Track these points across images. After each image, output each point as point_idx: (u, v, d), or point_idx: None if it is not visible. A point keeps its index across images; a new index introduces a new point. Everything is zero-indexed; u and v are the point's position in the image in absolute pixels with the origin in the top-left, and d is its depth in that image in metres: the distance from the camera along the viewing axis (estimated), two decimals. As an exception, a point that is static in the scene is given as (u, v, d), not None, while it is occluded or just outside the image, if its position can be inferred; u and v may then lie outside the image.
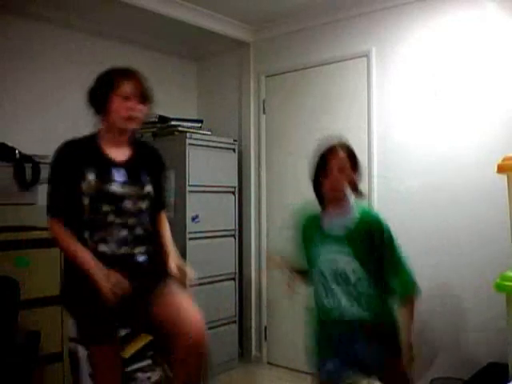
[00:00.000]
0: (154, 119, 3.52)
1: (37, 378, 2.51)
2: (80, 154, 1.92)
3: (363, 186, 2.09)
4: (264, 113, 3.82)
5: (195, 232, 3.38)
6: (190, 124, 3.60)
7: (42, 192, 2.86)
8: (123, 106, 1.90)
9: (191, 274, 2.02)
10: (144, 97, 1.97)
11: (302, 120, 3.59)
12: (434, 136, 2.99)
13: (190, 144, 3.40)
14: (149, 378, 3.14)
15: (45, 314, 2.61)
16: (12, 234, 2.58)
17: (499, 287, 2.10)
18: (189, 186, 3.37)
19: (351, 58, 3.33)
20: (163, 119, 3.52)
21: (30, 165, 2.71)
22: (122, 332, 2.12)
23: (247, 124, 3.88)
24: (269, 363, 3.76)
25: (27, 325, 2.42)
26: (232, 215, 3.75)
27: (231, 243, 3.73)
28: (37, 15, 3.13)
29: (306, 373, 3.43)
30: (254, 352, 3.83)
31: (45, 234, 2.69)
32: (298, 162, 3.59)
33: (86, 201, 1.87)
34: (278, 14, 3.51)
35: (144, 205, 1.97)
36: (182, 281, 1.99)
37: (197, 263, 3.37)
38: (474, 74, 2.86)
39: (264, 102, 3.80)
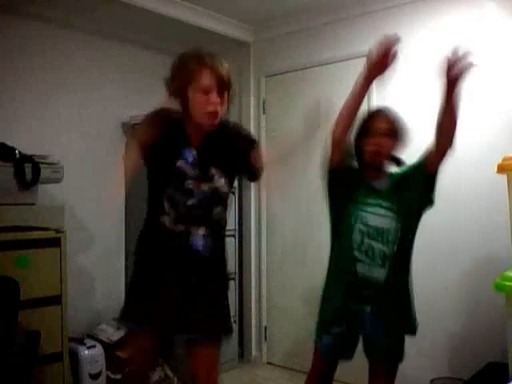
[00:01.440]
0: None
1: (37, 378, 2.51)
2: (170, 128, 1.83)
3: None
4: (264, 113, 3.81)
5: (195, 232, 3.38)
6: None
7: (42, 192, 2.87)
8: (203, 101, 1.75)
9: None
10: (225, 86, 1.79)
11: (302, 120, 3.58)
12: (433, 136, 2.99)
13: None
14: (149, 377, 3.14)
15: (45, 314, 2.61)
16: (12, 234, 2.58)
17: (499, 287, 2.10)
18: (189, 185, 3.37)
19: (351, 58, 3.33)
20: (163, 119, 3.51)
21: (30, 165, 2.71)
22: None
23: (247, 124, 3.88)
24: (269, 363, 3.76)
25: (27, 325, 2.42)
26: (232, 215, 3.75)
27: (231, 243, 3.73)
28: (37, 15, 3.12)
29: (306, 373, 3.43)
30: (253, 352, 3.83)
31: (45, 234, 2.70)
32: (298, 162, 3.59)
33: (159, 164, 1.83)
34: (278, 14, 3.51)
35: (207, 186, 1.82)
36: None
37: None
38: (474, 74, 2.86)
39: (264, 102, 3.80)
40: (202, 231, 1.83)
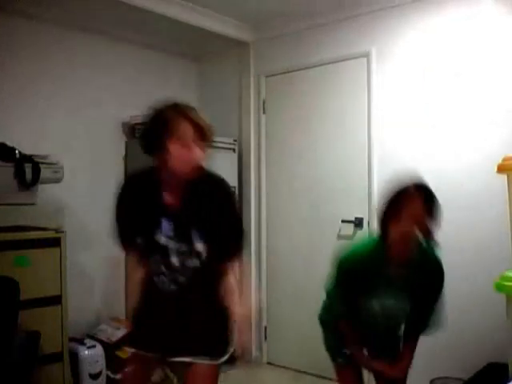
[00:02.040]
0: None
1: (37, 378, 2.51)
2: (141, 191, 1.81)
3: (435, 231, 1.91)
4: (264, 113, 3.81)
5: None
6: (189, 124, 3.60)
7: (41, 192, 2.87)
8: (182, 153, 1.70)
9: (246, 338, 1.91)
10: (204, 138, 1.78)
11: (302, 120, 3.59)
12: (434, 136, 2.99)
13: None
14: (149, 378, 3.14)
15: (45, 314, 2.62)
16: (12, 234, 2.58)
17: (499, 287, 2.10)
18: (189, 185, 3.37)
19: (351, 58, 3.33)
20: (163, 119, 3.51)
21: (30, 165, 2.71)
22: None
23: (247, 124, 3.88)
24: (269, 363, 3.76)
25: (27, 325, 2.42)
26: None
27: (231, 243, 3.73)
28: (38, 15, 3.13)
29: (306, 373, 3.44)
30: (254, 352, 3.83)
31: (45, 234, 2.70)
32: (298, 162, 3.59)
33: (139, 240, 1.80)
34: (278, 14, 3.51)
35: (191, 263, 1.78)
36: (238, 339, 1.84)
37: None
38: (474, 74, 2.86)
39: (264, 102, 3.80)
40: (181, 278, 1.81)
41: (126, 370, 1.98)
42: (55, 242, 2.70)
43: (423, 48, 3.03)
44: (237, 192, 3.79)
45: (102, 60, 3.53)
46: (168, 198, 1.78)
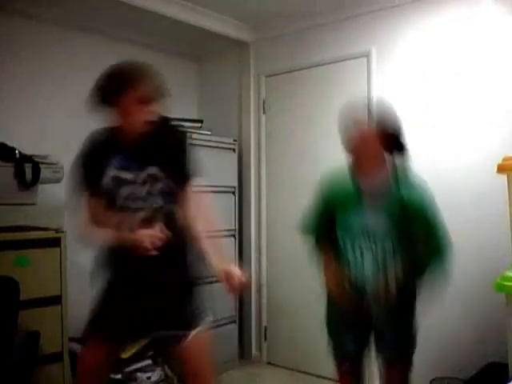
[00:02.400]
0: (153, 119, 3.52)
1: (37, 378, 2.51)
2: (105, 144, 1.96)
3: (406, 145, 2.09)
4: (264, 113, 3.82)
5: (195, 232, 3.38)
6: (190, 124, 3.60)
7: (41, 192, 2.87)
8: (137, 110, 1.83)
9: (239, 274, 1.91)
10: (158, 97, 1.88)
11: (302, 120, 3.59)
12: (434, 136, 2.99)
13: (189, 144, 3.39)
14: (149, 377, 3.14)
15: (45, 314, 2.61)
16: (12, 234, 2.58)
17: (499, 287, 2.10)
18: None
19: (351, 58, 3.33)
20: (163, 119, 3.52)
21: (30, 165, 2.71)
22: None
23: (247, 124, 3.88)
24: (269, 363, 3.76)
25: (27, 325, 2.42)
26: (232, 215, 3.75)
27: (231, 243, 3.73)
28: (38, 15, 3.13)
29: (306, 373, 3.44)
30: (253, 352, 3.83)
31: (45, 234, 2.70)
32: (297, 162, 3.59)
33: (105, 186, 1.90)
34: (278, 14, 3.51)
35: (152, 188, 1.89)
36: (230, 284, 1.90)
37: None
38: (474, 74, 2.87)
39: (264, 101, 3.80)
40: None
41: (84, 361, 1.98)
42: (55, 242, 2.69)
43: (423, 48, 3.03)
44: (237, 192, 3.79)
45: (102, 60, 3.48)
46: (130, 143, 1.91)
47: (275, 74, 3.76)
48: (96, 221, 1.90)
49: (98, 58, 3.48)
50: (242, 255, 3.84)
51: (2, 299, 2.26)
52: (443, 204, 2.92)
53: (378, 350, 2.12)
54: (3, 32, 3.02)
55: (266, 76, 3.81)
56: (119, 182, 1.89)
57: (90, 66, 3.45)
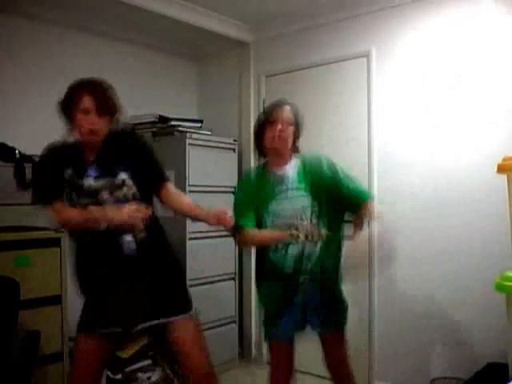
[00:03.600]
0: (154, 119, 3.53)
1: (37, 378, 2.51)
2: (62, 157, 2.01)
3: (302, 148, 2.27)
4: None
5: (195, 232, 3.38)
6: (189, 124, 3.60)
7: (42, 192, 2.87)
8: (84, 121, 1.91)
9: (224, 210, 2.03)
10: (104, 109, 1.95)
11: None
12: (434, 135, 2.99)
13: (189, 144, 3.40)
14: (149, 377, 3.14)
15: (45, 314, 2.61)
16: (12, 234, 2.58)
17: (499, 287, 2.10)
18: (189, 185, 3.37)
19: (351, 58, 3.33)
20: (163, 119, 3.52)
21: (30, 165, 2.71)
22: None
23: (247, 124, 3.88)
24: (269, 363, 3.74)
25: (27, 325, 2.42)
26: (232, 215, 3.74)
27: (231, 243, 3.72)
28: (39, 16, 3.13)
29: (306, 373, 3.43)
30: (253, 352, 3.83)
31: (45, 234, 2.70)
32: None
33: (66, 195, 1.96)
34: (278, 14, 3.51)
35: (122, 193, 1.96)
36: (224, 222, 2.02)
37: (197, 263, 3.39)
38: (474, 74, 2.87)
39: (264, 102, 3.80)
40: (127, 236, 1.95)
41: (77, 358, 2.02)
42: (55, 242, 2.70)
43: (423, 48, 3.03)
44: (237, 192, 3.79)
45: (102, 60, 3.53)
46: (88, 155, 1.99)
47: (275, 74, 3.76)
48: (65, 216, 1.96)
49: (99, 58, 3.51)
50: (241, 255, 3.84)
51: (2, 299, 2.26)
52: (443, 204, 2.93)
53: (312, 324, 2.23)
54: (4, 32, 3.02)
55: (266, 76, 3.80)
56: (80, 191, 1.94)
57: (91, 66, 3.47)
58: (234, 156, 3.79)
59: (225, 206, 3.63)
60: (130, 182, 1.97)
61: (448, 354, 2.89)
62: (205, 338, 2.14)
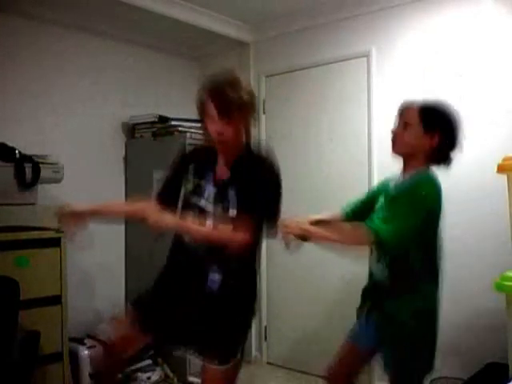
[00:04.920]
0: (154, 119, 3.53)
1: (37, 378, 2.51)
2: (195, 163, 1.95)
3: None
4: (264, 113, 3.81)
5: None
6: (189, 124, 3.60)
7: (41, 192, 2.87)
8: (212, 128, 1.78)
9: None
10: (228, 112, 1.75)
11: (302, 120, 3.59)
12: (434, 136, 2.99)
13: (189, 144, 3.39)
14: (149, 377, 3.15)
15: (45, 314, 2.61)
16: (12, 234, 2.58)
17: (499, 287, 2.10)
18: (189, 186, 3.37)
19: (351, 58, 3.33)
20: (163, 119, 3.52)
21: (30, 165, 2.71)
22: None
23: (247, 124, 3.88)
24: (268, 363, 3.76)
25: (27, 325, 2.42)
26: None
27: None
28: (39, 16, 3.13)
29: (306, 373, 3.43)
30: (253, 352, 3.83)
31: (45, 234, 2.70)
32: (298, 162, 3.59)
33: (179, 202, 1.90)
34: (278, 14, 3.51)
35: (217, 213, 1.80)
36: None
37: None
38: (474, 74, 2.87)
39: (264, 102, 3.80)
40: (215, 268, 1.80)
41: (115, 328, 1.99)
42: (55, 242, 2.70)
43: (423, 48, 3.03)
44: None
45: (103, 60, 3.53)
46: (218, 170, 1.86)
47: (275, 74, 3.76)
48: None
49: (99, 58, 3.51)
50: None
51: (2, 299, 2.26)
52: (443, 204, 2.93)
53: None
54: (4, 32, 3.02)
55: (266, 76, 3.80)
56: (191, 205, 1.85)
57: (91, 67, 3.47)
58: (234, 156, 3.78)
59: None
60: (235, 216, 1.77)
61: (448, 354, 2.88)
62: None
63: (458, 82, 2.89)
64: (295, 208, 3.63)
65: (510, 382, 1.70)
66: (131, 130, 3.66)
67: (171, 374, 3.25)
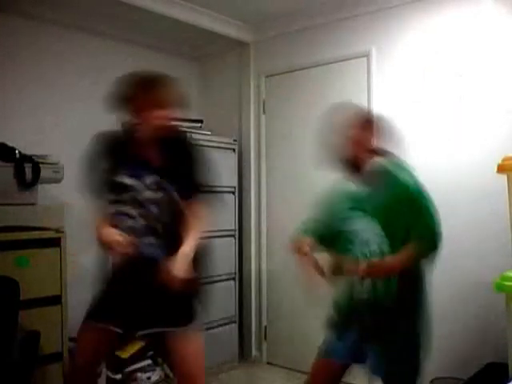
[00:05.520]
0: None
1: (37, 378, 2.51)
2: (115, 147, 2.05)
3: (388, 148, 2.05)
4: (264, 113, 3.81)
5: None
6: (190, 124, 3.60)
7: (41, 192, 2.87)
8: (152, 116, 1.93)
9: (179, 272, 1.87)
10: (173, 103, 1.97)
11: (302, 120, 3.59)
12: (434, 135, 2.99)
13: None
14: (149, 378, 3.15)
15: (45, 314, 2.61)
16: (12, 234, 2.58)
17: (499, 287, 2.10)
18: (189, 186, 3.37)
19: (351, 58, 3.33)
20: (163, 119, 3.51)
21: (30, 165, 2.71)
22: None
23: (247, 124, 3.88)
24: (268, 363, 3.76)
25: (27, 325, 2.42)
26: (232, 215, 3.75)
27: (231, 243, 3.73)
28: (39, 16, 3.13)
29: (306, 373, 3.43)
30: (253, 352, 3.83)
31: (45, 234, 2.70)
32: (298, 162, 3.59)
33: (108, 187, 1.97)
34: (278, 14, 3.51)
35: (162, 195, 1.93)
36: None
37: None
38: (474, 74, 2.87)
39: (264, 101, 3.80)
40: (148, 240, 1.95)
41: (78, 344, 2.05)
42: (55, 242, 2.69)
43: (423, 48, 3.03)
44: (237, 192, 3.79)
45: (103, 60, 3.53)
46: (142, 150, 1.99)
47: (275, 74, 3.76)
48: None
49: (99, 58, 3.51)
50: (241, 255, 3.84)
51: (2, 299, 2.26)
52: (443, 204, 2.92)
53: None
54: (4, 32, 3.02)
55: (266, 76, 3.80)
56: (122, 188, 1.94)
57: (91, 67, 3.47)
58: (234, 156, 3.79)
59: (225, 206, 3.67)
60: (170, 187, 1.94)
61: (448, 354, 2.89)
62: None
63: (458, 81, 2.89)
64: (294, 207, 3.65)
65: (510, 382, 1.70)
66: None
67: (171, 374, 3.25)
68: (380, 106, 3.20)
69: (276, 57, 3.73)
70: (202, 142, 3.47)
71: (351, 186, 2.04)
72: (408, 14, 3.07)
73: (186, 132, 2.17)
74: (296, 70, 3.61)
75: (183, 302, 1.98)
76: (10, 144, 2.76)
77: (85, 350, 2.05)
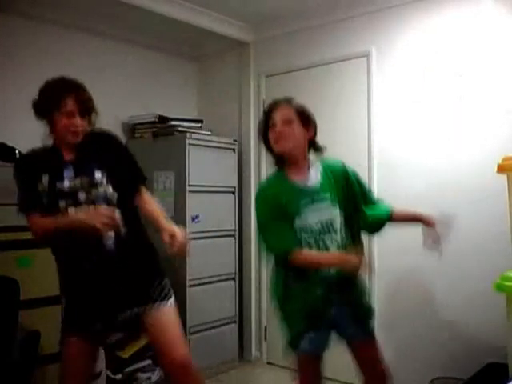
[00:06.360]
0: (154, 119, 3.53)
1: (37, 378, 2.51)
2: (38, 164, 2.04)
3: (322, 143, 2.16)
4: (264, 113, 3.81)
5: (195, 232, 3.38)
6: (189, 124, 3.61)
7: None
8: (67, 123, 1.95)
9: (182, 235, 1.89)
10: (87, 111, 2.01)
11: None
12: (434, 135, 2.99)
13: (189, 144, 3.40)
14: (149, 378, 3.14)
15: (45, 314, 2.61)
16: (12, 234, 2.58)
17: (499, 287, 2.10)
18: (189, 185, 3.37)
19: (351, 58, 3.33)
20: (163, 119, 3.52)
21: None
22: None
23: (247, 124, 3.88)
24: (269, 363, 3.76)
25: (27, 325, 2.42)
26: (232, 215, 3.75)
27: (231, 243, 3.73)
28: (38, 16, 3.13)
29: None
30: (253, 352, 3.83)
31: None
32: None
33: (45, 200, 1.97)
34: (278, 14, 3.51)
35: (97, 193, 1.96)
36: (179, 250, 1.89)
37: (197, 263, 3.39)
38: (474, 74, 2.87)
39: (264, 102, 3.80)
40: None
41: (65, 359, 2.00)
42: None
43: (423, 48, 3.03)
44: (237, 192, 3.79)
45: (102, 60, 3.53)
46: (66, 156, 2.02)
47: (275, 74, 3.76)
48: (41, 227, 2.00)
49: (99, 58, 3.51)
50: (241, 255, 3.84)
51: (3, 299, 2.26)
52: (443, 204, 2.93)
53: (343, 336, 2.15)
54: (3, 32, 3.02)
55: (266, 76, 3.80)
56: (58, 194, 1.95)
57: (91, 66, 3.47)
58: (234, 156, 3.79)
59: (225, 206, 3.67)
60: (104, 181, 1.97)
61: (448, 354, 2.89)
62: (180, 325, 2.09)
63: (458, 81, 2.90)
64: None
65: (510, 381, 1.70)
66: (131, 130, 3.67)
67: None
68: (380, 106, 3.20)
69: (276, 57, 3.73)
70: (201, 142, 3.49)
71: (294, 181, 2.04)
72: (408, 14, 3.07)
73: (102, 128, 2.20)
74: (296, 70, 3.61)
75: (148, 281, 2.02)
76: (10, 144, 2.76)
77: (75, 375, 2.00)
